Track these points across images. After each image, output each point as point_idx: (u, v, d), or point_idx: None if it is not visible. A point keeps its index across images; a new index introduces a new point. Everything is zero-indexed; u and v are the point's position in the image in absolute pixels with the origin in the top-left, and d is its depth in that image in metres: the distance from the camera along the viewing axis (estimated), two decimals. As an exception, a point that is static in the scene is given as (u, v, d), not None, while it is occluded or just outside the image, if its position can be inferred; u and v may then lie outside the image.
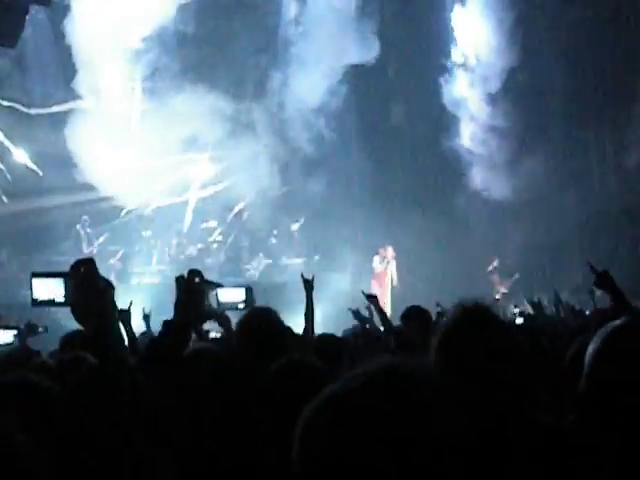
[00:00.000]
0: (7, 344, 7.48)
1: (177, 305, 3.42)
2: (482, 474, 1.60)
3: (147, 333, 9.70)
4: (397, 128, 27.34)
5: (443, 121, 26.19)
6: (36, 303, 3.74)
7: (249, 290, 5.97)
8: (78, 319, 3.10)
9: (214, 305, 3.81)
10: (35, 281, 3.68)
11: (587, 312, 11.19)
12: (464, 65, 26.67)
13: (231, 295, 5.93)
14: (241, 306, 5.98)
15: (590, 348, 2.60)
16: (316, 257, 26.69)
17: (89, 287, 3.09)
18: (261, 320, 5.19)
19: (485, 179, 25.49)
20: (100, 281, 3.15)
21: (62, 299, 3.54)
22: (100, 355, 3.09)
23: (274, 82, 26.70)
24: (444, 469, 1.54)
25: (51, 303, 3.64)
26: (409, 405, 1.57)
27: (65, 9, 24.37)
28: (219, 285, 4.23)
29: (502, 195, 24.94)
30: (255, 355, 4.69)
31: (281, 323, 5.32)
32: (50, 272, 3.78)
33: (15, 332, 7.09)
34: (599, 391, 2.49)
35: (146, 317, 10.62)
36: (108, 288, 3.14)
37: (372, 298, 9.55)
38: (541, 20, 25.37)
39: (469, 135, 26.16)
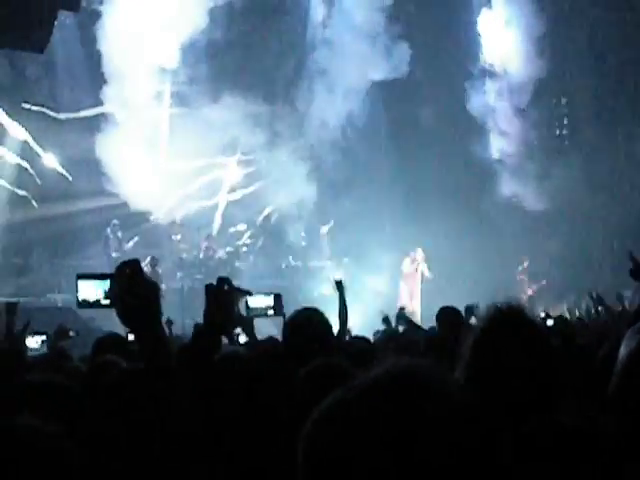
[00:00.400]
0: (36, 349, 7.50)
1: (206, 312, 3.41)
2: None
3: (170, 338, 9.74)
4: (426, 132, 27.30)
5: (472, 128, 26.08)
6: (82, 305, 3.75)
7: (278, 297, 5.97)
8: (124, 321, 3.10)
9: (243, 311, 3.81)
10: (80, 283, 3.69)
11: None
12: (491, 73, 26.56)
13: (260, 302, 5.95)
14: (270, 312, 5.98)
15: (622, 348, 2.57)
16: (345, 259, 26.70)
17: (135, 288, 3.08)
18: (307, 320, 5.17)
19: (515, 188, 25.40)
20: (146, 282, 3.14)
21: (107, 301, 3.54)
22: (146, 356, 3.08)
23: (302, 89, 26.83)
24: (445, 474, 1.53)
25: (97, 304, 3.65)
26: (409, 409, 1.56)
27: (93, 14, 24.50)
28: (248, 293, 4.22)
29: (533, 205, 24.91)
30: (301, 354, 4.66)
31: (326, 322, 5.28)
32: (95, 274, 3.79)
33: (44, 337, 7.11)
34: (629, 392, 2.47)
35: (169, 322, 10.66)
36: (154, 289, 3.14)
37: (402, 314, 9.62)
38: (569, 27, 25.20)
39: (498, 146, 26.06)
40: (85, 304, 3.74)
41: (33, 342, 7.21)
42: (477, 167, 25.86)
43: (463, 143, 25.83)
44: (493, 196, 25.71)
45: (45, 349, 6.50)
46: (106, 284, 3.58)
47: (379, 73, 25.96)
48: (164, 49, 24.34)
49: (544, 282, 24.88)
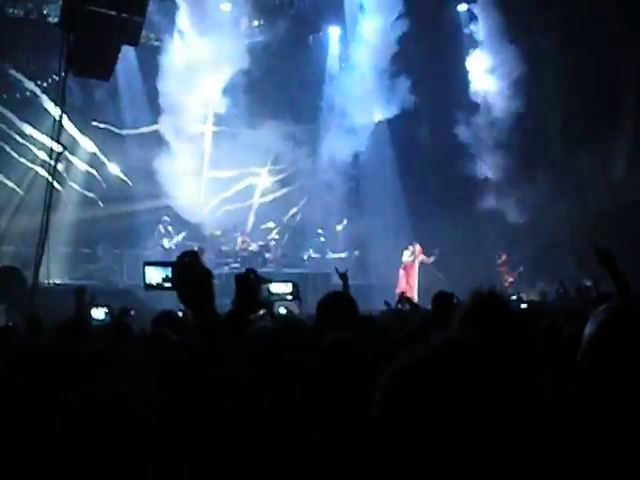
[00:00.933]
0: (100, 320, 7.54)
1: (236, 298, 3.44)
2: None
3: None
4: (423, 148, 27.26)
5: (462, 151, 25.96)
6: (148, 287, 3.79)
7: (295, 284, 5.98)
8: (183, 302, 3.12)
9: (266, 295, 3.83)
10: (147, 269, 3.73)
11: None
12: (476, 105, 26.38)
13: (281, 288, 5.95)
14: (289, 297, 5.99)
15: (588, 325, 2.58)
16: (356, 252, 26.80)
17: (193, 274, 3.11)
18: (335, 299, 5.13)
19: (497, 202, 25.38)
20: (202, 269, 3.17)
21: (169, 284, 3.57)
22: (203, 332, 3.10)
23: (323, 111, 26.97)
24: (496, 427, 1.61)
25: (160, 287, 3.69)
26: (462, 369, 1.64)
27: (150, 49, 24.61)
28: (270, 280, 4.26)
29: (513, 216, 25.00)
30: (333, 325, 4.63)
31: (352, 300, 5.18)
32: (159, 262, 3.83)
33: (106, 309, 7.17)
34: (596, 364, 2.48)
35: None
36: (209, 275, 3.16)
37: (403, 299, 9.68)
38: (545, 69, 25.06)
39: (484, 166, 25.92)
40: (150, 286, 3.79)
41: (98, 313, 7.27)
42: (466, 183, 25.78)
43: (454, 160, 25.72)
44: (479, 207, 25.65)
45: (108, 319, 6.54)
46: (168, 270, 3.62)
47: (386, 110, 26.00)
48: (208, 78, 24.46)
49: (521, 269, 24.86)
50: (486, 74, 26.39)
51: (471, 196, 25.72)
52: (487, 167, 25.75)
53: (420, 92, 26.04)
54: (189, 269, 3.14)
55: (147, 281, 3.67)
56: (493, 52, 26.04)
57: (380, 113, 26.53)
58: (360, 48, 26.59)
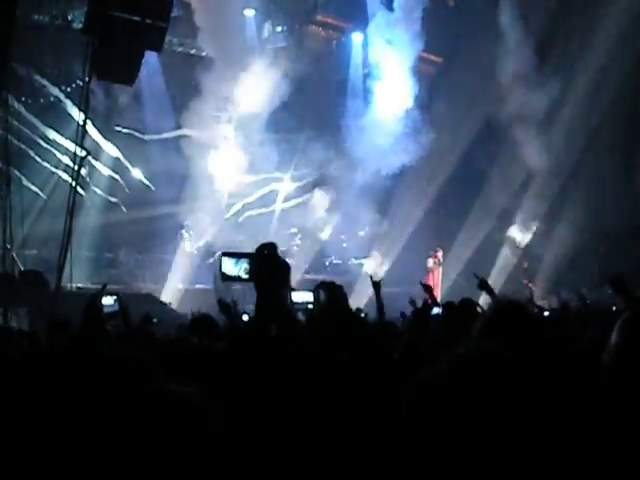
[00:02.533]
0: (110, 306, 7.60)
1: (257, 304, 3.45)
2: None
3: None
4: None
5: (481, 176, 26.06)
6: (225, 278, 3.79)
7: (317, 293, 5.95)
8: (260, 292, 3.13)
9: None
10: (224, 259, 3.73)
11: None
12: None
13: (302, 297, 5.93)
14: (310, 306, 5.97)
15: (615, 332, 2.63)
16: (379, 258, 26.78)
17: (271, 265, 3.13)
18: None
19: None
20: (280, 261, 3.18)
21: (246, 275, 3.58)
22: (279, 320, 3.11)
23: (346, 116, 26.98)
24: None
25: (237, 279, 3.69)
26: (483, 379, 1.77)
27: (173, 54, 24.71)
28: (292, 289, 4.24)
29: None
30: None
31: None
32: (237, 252, 3.82)
33: (115, 297, 7.22)
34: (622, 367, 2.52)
35: (234, 302, 10.75)
36: (286, 267, 3.18)
37: (427, 287, 9.55)
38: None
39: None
40: (227, 277, 3.78)
41: (108, 301, 7.34)
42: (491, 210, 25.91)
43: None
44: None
45: (117, 307, 6.58)
46: (245, 261, 3.62)
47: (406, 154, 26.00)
48: (231, 84, 24.49)
49: (540, 282, 24.92)
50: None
51: (494, 203, 25.70)
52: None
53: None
54: (268, 260, 3.16)
55: (223, 270, 3.68)
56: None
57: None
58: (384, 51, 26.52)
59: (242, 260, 3.70)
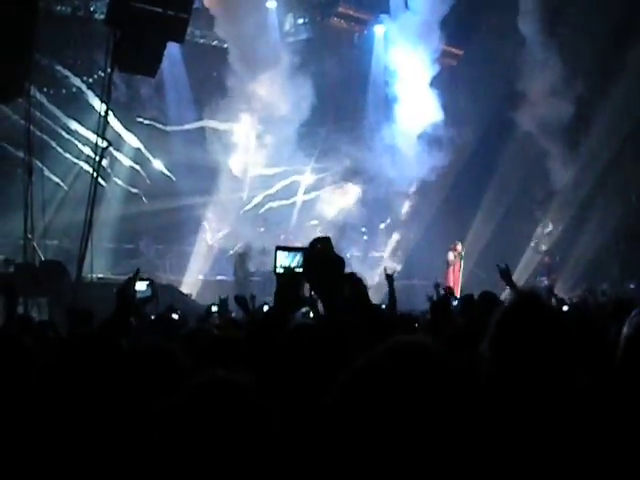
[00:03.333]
0: (143, 291, 7.68)
1: (276, 294, 3.46)
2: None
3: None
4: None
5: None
6: (278, 272, 3.82)
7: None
8: (312, 285, 3.15)
9: (306, 294, 3.83)
10: (279, 253, 3.76)
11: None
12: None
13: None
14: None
15: (625, 328, 2.62)
16: (399, 252, 26.77)
17: (325, 260, 3.14)
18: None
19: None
20: (334, 256, 3.20)
21: (300, 269, 3.61)
22: (330, 312, 3.13)
23: (368, 109, 26.97)
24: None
25: (290, 271, 3.71)
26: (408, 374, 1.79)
27: (195, 45, 24.75)
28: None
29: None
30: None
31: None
32: (290, 247, 3.85)
33: (148, 282, 7.28)
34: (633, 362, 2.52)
35: (252, 297, 10.83)
36: (340, 262, 3.19)
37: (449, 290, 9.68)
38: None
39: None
40: (280, 271, 3.81)
41: (141, 286, 7.40)
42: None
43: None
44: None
45: (150, 292, 6.63)
46: (299, 255, 3.64)
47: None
48: (253, 76, 24.49)
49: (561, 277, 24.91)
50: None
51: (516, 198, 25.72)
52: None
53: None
54: (321, 255, 3.18)
55: (278, 264, 3.71)
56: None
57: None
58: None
59: (295, 254, 3.72)
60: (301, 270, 3.55)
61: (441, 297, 11.14)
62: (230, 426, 1.97)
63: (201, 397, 2.03)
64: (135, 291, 5.59)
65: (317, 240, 3.23)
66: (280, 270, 3.76)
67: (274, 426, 2.03)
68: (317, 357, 3.08)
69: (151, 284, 7.12)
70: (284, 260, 3.75)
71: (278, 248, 3.79)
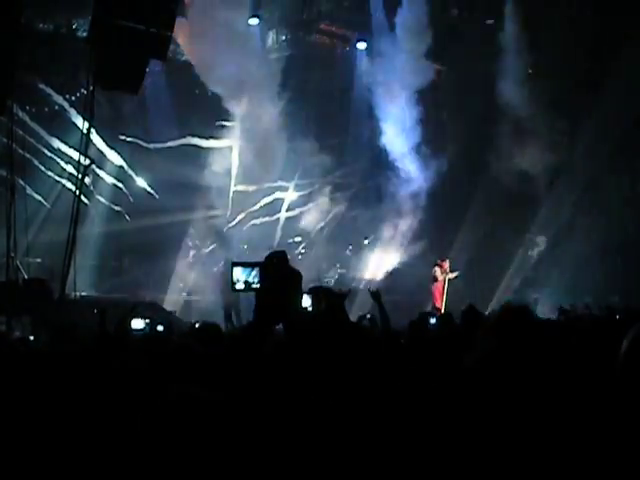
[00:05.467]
0: (140, 329, 7.65)
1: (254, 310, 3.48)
2: None
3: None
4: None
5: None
6: (235, 287, 3.82)
7: (314, 297, 5.95)
8: (270, 301, 3.15)
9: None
10: (235, 269, 3.76)
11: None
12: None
13: (304, 302, 5.92)
14: (309, 309, 5.97)
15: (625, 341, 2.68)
16: (382, 267, 26.80)
17: (281, 274, 3.15)
18: None
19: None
20: (290, 270, 3.21)
21: (256, 285, 3.60)
22: (287, 328, 3.14)
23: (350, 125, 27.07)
24: None
25: (248, 288, 3.71)
26: None
27: (177, 63, 24.77)
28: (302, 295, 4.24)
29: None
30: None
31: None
32: (247, 262, 3.85)
33: (147, 320, 7.27)
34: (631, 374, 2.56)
35: (237, 311, 10.82)
36: (296, 276, 3.20)
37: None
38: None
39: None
40: (237, 287, 3.80)
41: (139, 324, 7.39)
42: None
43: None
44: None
45: (148, 330, 6.63)
46: (255, 270, 3.64)
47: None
48: (235, 92, 24.50)
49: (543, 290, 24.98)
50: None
51: (499, 211, 25.78)
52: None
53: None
54: (277, 269, 3.19)
55: (234, 280, 3.72)
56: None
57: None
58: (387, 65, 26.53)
59: (252, 269, 3.73)
60: (258, 286, 3.56)
61: (420, 315, 11.08)
62: (194, 441, 2.03)
63: (168, 413, 2.08)
64: (131, 328, 5.60)
65: (273, 254, 3.24)
66: (240, 286, 3.78)
67: (239, 440, 2.08)
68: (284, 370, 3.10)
69: (150, 323, 7.10)
70: (241, 276, 3.77)
71: (234, 264, 3.81)
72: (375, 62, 26.99)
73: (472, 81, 25.92)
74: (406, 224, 26.56)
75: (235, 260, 3.93)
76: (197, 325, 10.62)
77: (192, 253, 24.96)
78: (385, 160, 26.30)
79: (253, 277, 3.72)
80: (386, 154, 26.25)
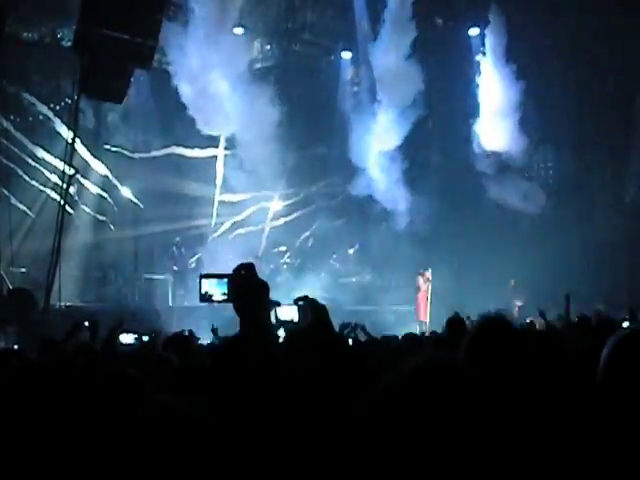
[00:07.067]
0: (129, 344, 7.61)
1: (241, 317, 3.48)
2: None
3: (214, 344, 9.66)
4: (436, 172, 27.38)
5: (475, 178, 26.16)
6: (204, 299, 3.83)
7: (300, 308, 5.94)
8: (238, 313, 3.16)
9: (273, 321, 3.83)
10: (203, 281, 3.78)
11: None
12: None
13: (288, 313, 5.91)
14: (296, 320, 5.96)
15: (605, 349, 2.68)
16: (367, 277, 26.81)
17: (249, 286, 3.15)
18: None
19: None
20: (258, 281, 3.21)
21: (224, 297, 3.61)
22: (256, 341, 3.14)
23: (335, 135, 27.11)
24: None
25: (215, 300, 3.73)
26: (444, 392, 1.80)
27: (163, 73, 24.73)
28: (277, 304, 4.25)
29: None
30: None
31: None
32: (215, 274, 3.86)
33: (135, 335, 7.23)
34: (613, 382, 2.57)
35: (214, 330, 10.61)
36: (264, 288, 3.20)
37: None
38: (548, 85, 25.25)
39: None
40: (205, 299, 3.82)
41: (128, 338, 7.35)
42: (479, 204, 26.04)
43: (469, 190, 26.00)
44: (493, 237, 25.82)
45: (137, 344, 6.60)
46: (224, 282, 3.65)
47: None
48: (220, 101, 24.47)
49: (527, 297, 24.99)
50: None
51: (485, 219, 25.87)
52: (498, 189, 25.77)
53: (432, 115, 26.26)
54: (245, 281, 3.19)
55: (202, 291, 3.74)
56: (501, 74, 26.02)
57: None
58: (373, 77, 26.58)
59: (221, 281, 3.74)
60: (225, 298, 3.57)
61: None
62: (173, 455, 2.05)
63: (147, 426, 2.10)
64: (120, 343, 5.59)
65: (240, 266, 3.25)
66: (209, 298, 3.79)
67: (221, 453, 2.10)
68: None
69: (139, 337, 7.05)
70: (209, 288, 3.78)
71: (202, 276, 3.82)
72: (360, 71, 27.10)
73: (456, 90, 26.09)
74: (389, 234, 26.54)
75: (205, 272, 3.97)
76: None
77: (177, 263, 24.88)
78: (370, 168, 26.28)
79: (221, 289, 3.73)
80: (371, 162, 26.25)
